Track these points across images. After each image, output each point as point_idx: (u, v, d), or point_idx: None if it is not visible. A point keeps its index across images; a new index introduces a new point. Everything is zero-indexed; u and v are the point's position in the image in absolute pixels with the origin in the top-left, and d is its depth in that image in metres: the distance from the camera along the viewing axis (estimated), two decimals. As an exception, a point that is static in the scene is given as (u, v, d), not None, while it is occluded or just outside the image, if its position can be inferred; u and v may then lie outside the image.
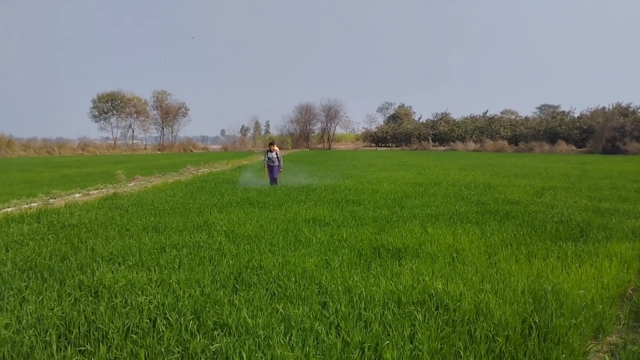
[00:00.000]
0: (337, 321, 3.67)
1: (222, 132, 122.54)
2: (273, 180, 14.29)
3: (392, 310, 3.88)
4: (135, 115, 76.77)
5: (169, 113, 79.19)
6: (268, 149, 14.54)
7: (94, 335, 3.42)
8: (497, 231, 7.16)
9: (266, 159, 14.44)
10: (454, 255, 5.72)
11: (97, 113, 74.98)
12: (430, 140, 78.25)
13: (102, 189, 14.30)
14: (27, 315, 3.69)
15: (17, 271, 4.96)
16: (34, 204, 10.39)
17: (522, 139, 64.02)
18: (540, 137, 60.80)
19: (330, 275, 4.84)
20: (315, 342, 3.32)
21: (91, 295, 4.22)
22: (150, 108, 78.77)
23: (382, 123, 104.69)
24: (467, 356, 3.14)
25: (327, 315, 3.81)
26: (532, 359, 3.16)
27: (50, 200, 11.42)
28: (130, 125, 77.14)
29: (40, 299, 4.07)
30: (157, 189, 13.37)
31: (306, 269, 5.02)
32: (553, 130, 60.43)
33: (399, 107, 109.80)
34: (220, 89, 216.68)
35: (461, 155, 48.29)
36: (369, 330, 3.51)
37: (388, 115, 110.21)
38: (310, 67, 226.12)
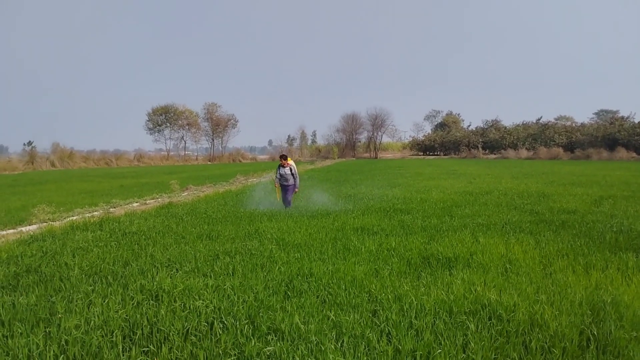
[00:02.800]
0: (388, 329, 3.69)
1: (270, 142, 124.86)
2: (286, 202, 11.37)
3: (444, 319, 3.86)
4: (187, 127, 79.62)
5: (219, 124, 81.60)
6: (280, 163, 11.40)
7: (156, 336, 3.60)
8: (553, 241, 6.94)
9: (277, 176, 11.36)
10: (507, 265, 5.60)
11: (151, 125, 78.31)
12: (480, 148, 76.43)
13: (157, 198, 14.92)
14: (95, 317, 3.93)
15: (83, 276, 5.28)
16: (96, 213, 10.98)
17: (578, 146, 61.44)
18: (597, 144, 58.13)
19: (380, 283, 4.86)
20: (367, 349, 3.36)
21: (152, 299, 4.45)
22: (201, 120, 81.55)
23: (429, 131, 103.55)
24: (522, 367, 3.09)
25: (378, 323, 3.84)
26: (591, 372, 3.08)
27: (111, 209, 12.03)
28: (183, 136, 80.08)
29: (105, 302, 4.33)
30: (209, 198, 13.79)
31: (356, 277, 5.07)
32: (612, 137, 57.57)
33: (447, 114, 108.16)
34: (267, 99, 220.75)
35: (513, 163, 46.80)
36: (420, 338, 3.51)
37: (436, 123, 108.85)
38: (357, 76, 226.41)
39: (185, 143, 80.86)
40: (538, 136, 69.83)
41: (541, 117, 78.73)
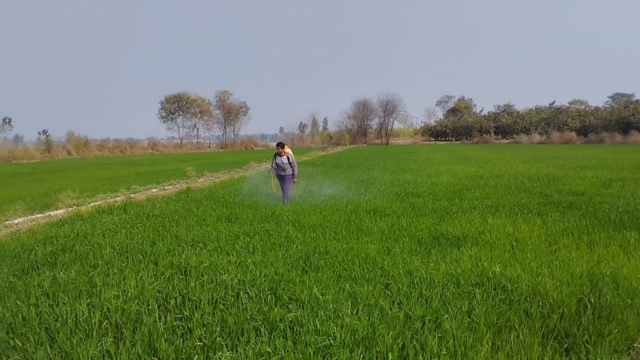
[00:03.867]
0: (400, 299, 4.01)
1: (281, 129, 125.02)
2: (284, 194, 10.42)
3: (451, 290, 4.17)
4: (199, 115, 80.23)
5: (231, 112, 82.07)
6: (276, 151, 10.51)
7: (187, 305, 3.96)
8: (559, 221, 7.18)
9: (274, 165, 10.47)
10: (514, 243, 5.87)
11: (164, 114, 79.04)
12: (492, 133, 76.01)
13: (175, 184, 15.34)
14: (131, 289, 4.31)
15: (115, 254, 5.67)
16: (118, 198, 11.43)
17: (591, 130, 60.87)
18: (611, 128, 57.51)
19: (392, 260, 5.16)
20: (380, 315, 3.68)
21: (181, 274, 4.81)
22: (213, 108, 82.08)
23: (441, 117, 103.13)
24: (521, 329, 3.40)
25: (390, 293, 4.16)
26: (585, 333, 3.37)
27: (131, 194, 12.46)
28: (195, 124, 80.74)
29: (139, 276, 4.71)
30: (225, 184, 14.17)
31: (369, 254, 5.38)
32: (625, 120, 56.88)
33: (458, 100, 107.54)
34: (278, 86, 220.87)
35: (525, 147, 46.62)
36: (429, 306, 3.83)
37: (447, 108, 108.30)
38: (369, 62, 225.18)
39: (197, 131, 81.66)
40: (551, 120, 69.27)
41: (554, 102, 78.13)
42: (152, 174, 20.62)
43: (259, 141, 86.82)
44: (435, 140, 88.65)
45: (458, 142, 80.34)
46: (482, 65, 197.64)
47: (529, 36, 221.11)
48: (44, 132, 71.25)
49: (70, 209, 9.78)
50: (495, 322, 3.51)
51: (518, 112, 78.61)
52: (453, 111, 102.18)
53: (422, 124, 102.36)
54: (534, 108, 78.23)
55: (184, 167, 22.90)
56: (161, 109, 79.44)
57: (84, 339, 3.41)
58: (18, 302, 4.04)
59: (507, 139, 73.03)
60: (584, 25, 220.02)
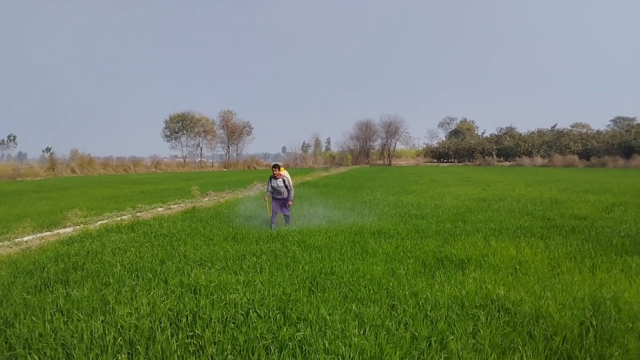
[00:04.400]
0: (406, 319, 4.11)
1: (283, 149, 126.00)
2: (276, 216, 9.85)
3: (456, 312, 4.27)
4: (203, 134, 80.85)
5: (235, 132, 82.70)
6: (272, 174, 9.85)
7: (199, 323, 4.06)
8: (562, 245, 7.27)
9: (269, 189, 9.92)
10: (517, 266, 5.96)
11: (168, 133, 79.70)
12: (495, 156, 76.28)
13: (180, 203, 15.47)
14: (143, 307, 4.41)
15: (125, 272, 5.78)
16: (124, 217, 11.56)
17: (594, 153, 61.11)
18: (614, 152, 57.79)
19: (397, 282, 5.27)
20: (387, 335, 3.78)
21: (191, 292, 4.92)
22: (217, 127, 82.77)
23: (443, 138, 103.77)
24: (525, 351, 3.49)
25: (396, 314, 4.26)
26: (587, 355, 3.46)
27: (137, 213, 12.59)
28: (199, 144, 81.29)
29: (150, 294, 4.81)
30: (230, 203, 14.29)
31: (374, 275, 5.49)
32: (628, 144, 57.20)
33: (461, 122, 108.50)
34: (282, 106, 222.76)
35: (527, 170, 46.73)
36: (434, 327, 3.93)
37: (450, 130, 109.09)
38: (372, 83, 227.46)
39: (201, 150, 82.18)
40: (553, 143, 69.56)
41: (556, 125, 78.56)
42: (157, 193, 20.77)
43: (261, 161, 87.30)
44: (437, 162, 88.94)
45: (460, 164, 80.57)
46: (485, 88, 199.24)
47: (532, 59, 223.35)
48: (48, 149, 71.81)
49: (78, 227, 9.91)
50: (500, 344, 3.61)
51: (520, 135, 79.06)
52: (455, 133, 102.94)
53: (425, 146, 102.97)
54: (536, 131, 78.73)
55: (188, 186, 23.08)
56: (165, 128, 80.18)
57: (100, 355, 3.51)
58: (34, 319, 4.15)
59: (509, 161, 73.32)
60: (585, 48, 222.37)
